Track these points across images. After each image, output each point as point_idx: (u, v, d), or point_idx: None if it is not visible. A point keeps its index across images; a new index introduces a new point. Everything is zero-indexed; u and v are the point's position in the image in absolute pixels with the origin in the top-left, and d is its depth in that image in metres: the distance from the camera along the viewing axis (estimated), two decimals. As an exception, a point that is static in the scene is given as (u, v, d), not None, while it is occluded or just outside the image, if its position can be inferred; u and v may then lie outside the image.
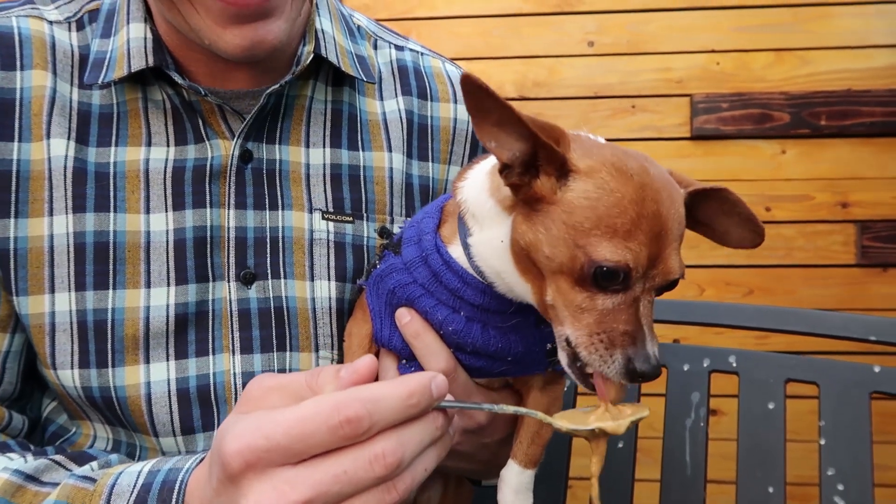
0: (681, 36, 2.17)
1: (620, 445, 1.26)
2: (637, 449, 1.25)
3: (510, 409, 0.62)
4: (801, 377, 1.18)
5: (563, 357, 0.66)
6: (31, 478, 0.69)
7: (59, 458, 0.72)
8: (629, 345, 0.61)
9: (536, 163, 0.63)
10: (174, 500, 0.62)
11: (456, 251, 0.74)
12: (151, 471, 0.66)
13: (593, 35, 2.20)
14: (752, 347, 1.28)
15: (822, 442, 1.13)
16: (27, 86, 0.80)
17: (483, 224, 0.72)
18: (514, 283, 0.70)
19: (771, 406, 1.18)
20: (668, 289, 0.65)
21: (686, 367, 1.25)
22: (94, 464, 0.71)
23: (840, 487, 1.10)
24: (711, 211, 0.70)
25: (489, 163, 0.74)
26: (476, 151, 1.01)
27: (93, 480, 0.66)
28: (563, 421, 0.63)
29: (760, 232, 0.69)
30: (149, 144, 0.83)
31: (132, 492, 0.64)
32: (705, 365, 1.24)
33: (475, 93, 0.60)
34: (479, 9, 2.23)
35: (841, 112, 2.09)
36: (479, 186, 0.72)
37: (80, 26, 0.86)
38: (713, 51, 2.16)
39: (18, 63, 0.80)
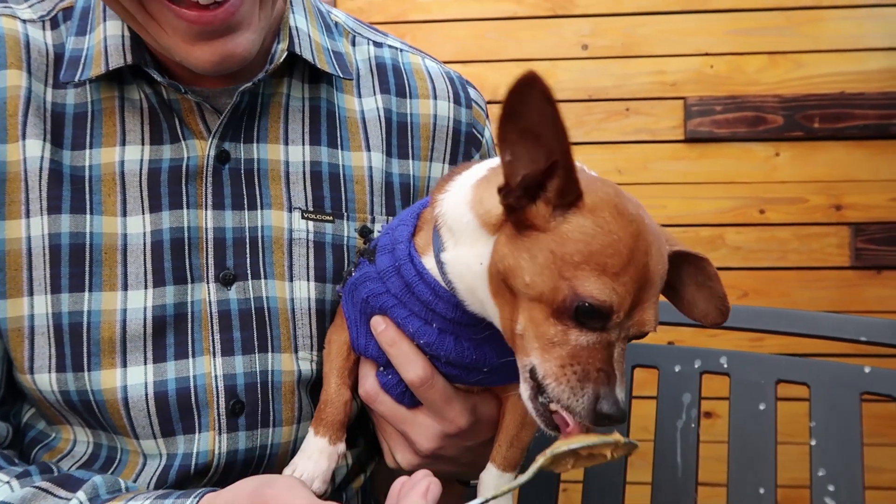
0: (675, 39, 2.17)
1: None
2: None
3: (516, 483, 0.63)
4: (791, 378, 1.18)
5: (524, 390, 0.64)
6: None
7: (45, 484, 0.72)
8: (602, 383, 0.60)
9: (539, 187, 0.62)
10: None
11: (430, 262, 0.73)
12: None
13: (588, 38, 2.21)
14: (746, 350, 1.28)
15: (813, 443, 1.13)
16: (1, 86, 0.79)
17: (459, 240, 0.70)
18: (486, 305, 0.69)
19: (762, 407, 1.18)
20: (637, 338, 0.65)
21: (677, 369, 1.25)
22: (82, 494, 0.70)
23: (831, 488, 1.10)
24: (685, 277, 0.70)
25: (474, 174, 0.72)
26: (457, 147, 0.99)
27: None
28: (550, 449, 0.62)
29: (725, 312, 0.70)
30: (123, 144, 0.82)
31: None
32: (696, 366, 1.24)
33: (528, 91, 0.54)
34: (473, 12, 2.24)
35: (834, 115, 2.10)
36: (460, 199, 0.71)
37: (55, 25, 0.85)
38: (707, 54, 2.16)
39: None
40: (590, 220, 0.61)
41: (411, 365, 0.75)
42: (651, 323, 0.63)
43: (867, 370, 1.15)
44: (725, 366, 1.22)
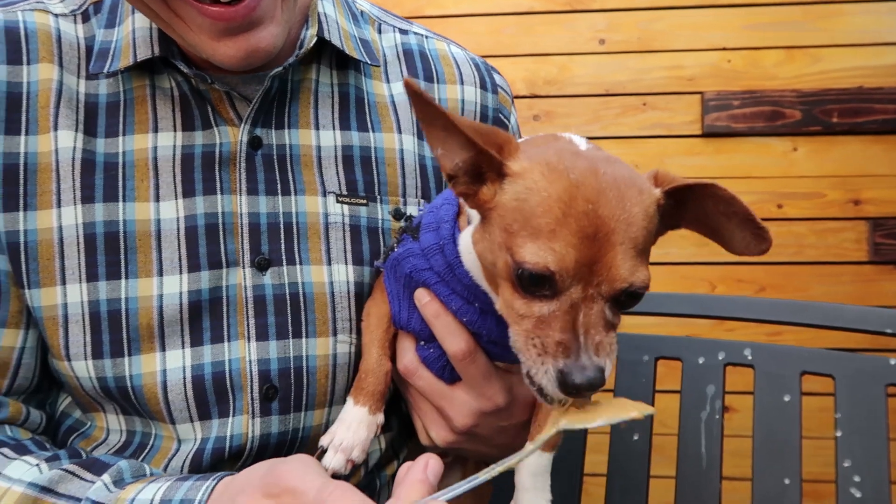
0: (692, 34, 2.17)
1: (636, 438, 1.26)
2: (652, 446, 1.25)
3: (499, 468, 0.58)
4: (816, 370, 1.18)
5: (523, 368, 0.63)
6: (46, 490, 0.71)
7: (72, 467, 0.73)
8: (561, 356, 0.57)
9: (482, 171, 0.63)
10: None
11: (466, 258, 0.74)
12: (163, 500, 0.68)
13: (604, 33, 2.20)
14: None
15: (838, 434, 1.14)
16: (34, 79, 0.81)
17: (472, 222, 0.71)
18: (487, 288, 0.70)
19: (787, 398, 1.18)
20: (630, 300, 0.60)
21: (701, 360, 1.25)
22: (107, 476, 0.72)
23: (856, 479, 1.10)
24: (710, 212, 0.64)
25: None
26: None
27: None
28: (565, 420, 0.61)
29: (765, 235, 0.61)
30: (155, 130, 0.84)
31: None
32: (720, 358, 1.24)
33: (418, 99, 0.59)
34: (489, 7, 2.24)
35: (853, 109, 2.09)
36: None
37: (86, 18, 0.87)
38: (724, 48, 2.16)
39: (25, 57, 0.81)
40: (520, 185, 0.60)
41: (455, 337, 0.76)
42: (624, 276, 0.58)
43: (892, 362, 1.15)
44: (749, 358, 1.22)
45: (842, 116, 2.10)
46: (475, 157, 0.62)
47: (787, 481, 1.14)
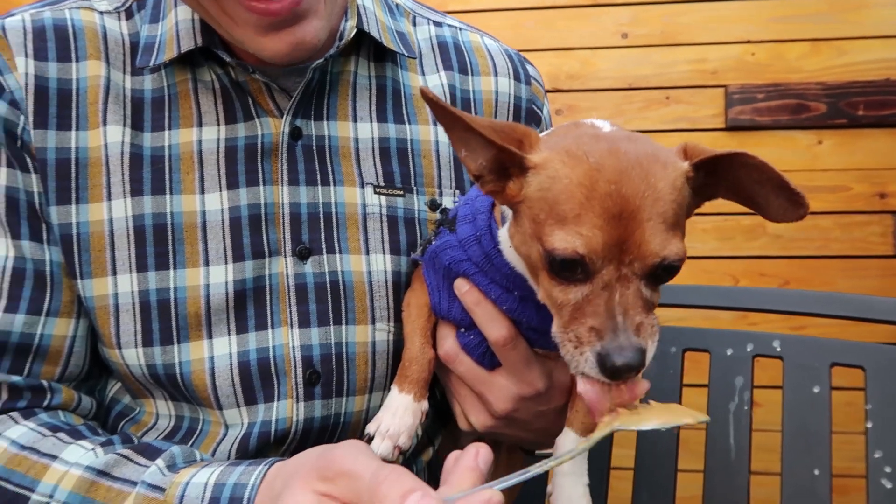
0: (715, 27, 2.16)
1: (663, 431, 1.26)
2: (679, 440, 1.25)
3: (552, 463, 0.59)
4: (846, 361, 1.18)
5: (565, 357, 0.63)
6: (102, 473, 0.73)
7: (126, 451, 0.76)
8: (597, 340, 0.57)
9: (506, 168, 0.64)
10: None
11: (505, 235, 0.75)
12: (217, 483, 0.69)
13: (627, 27, 2.20)
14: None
15: (869, 425, 1.14)
16: (83, 76, 0.83)
17: (507, 219, 0.73)
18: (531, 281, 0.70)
19: (816, 390, 1.18)
20: (666, 274, 0.60)
21: (729, 352, 1.25)
22: (161, 461, 0.74)
23: (887, 470, 1.10)
24: (744, 180, 0.62)
25: None
26: (518, 123, 1.02)
27: (161, 490, 0.70)
28: (618, 421, 0.60)
29: (801, 201, 0.60)
30: (200, 125, 0.86)
31: None
32: (749, 350, 1.24)
33: (435, 107, 0.60)
34: (512, 2, 2.25)
35: (879, 102, 2.08)
36: None
37: (129, 15, 0.89)
38: (748, 41, 2.15)
39: (74, 55, 0.83)
40: (543, 175, 0.61)
41: (495, 324, 0.78)
42: (656, 251, 0.57)
43: (924, 353, 1.14)
44: (779, 349, 1.22)
45: (867, 109, 2.09)
46: (497, 155, 0.63)
47: (816, 472, 1.14)
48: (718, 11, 2.17)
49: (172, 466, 0.74)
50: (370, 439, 0.80)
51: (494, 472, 0.97)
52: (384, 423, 0.80)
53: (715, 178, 0.63)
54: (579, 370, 0.59)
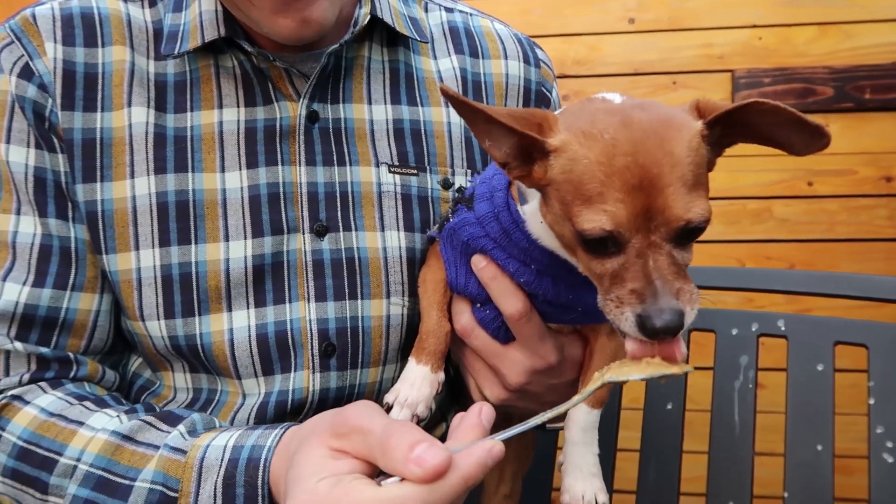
0: (722, 11, 2.16)
1: (669, 407, 1.28)
2: (685, 421, 1.27)
3: (550, 414, 0.62)
4: (849, 339, 1.20)
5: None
6: (127, 437, 0.77)
7: (149, 418, 0.79)
8: (637, 302, 0.60)
9: (530, 153, 0.66)
10: (260, 478, 0.69)
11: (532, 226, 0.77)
12: (236, 445, 0.72)
13: (634, 12, 2.21)
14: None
15: (872, 402, 1.16)
16: (108, 60, 0.87)
17: (530, 195, 0.75)
18: (566, 256, 0.73)
19: (820, 368, 1.20)
20: (693, 234, 0.61)
21: (735, 332, 1.27)
22: (182, 427, 0.77)
23: (889, 445, 1.12)
24: (761, 127, 0.63)
25: None
26: (528, 105, 1.05)
27: (183, 452, 0.74)
28: (609, 373, 0.64)
29: (822, 131, 0.60)
30: (220, 107, 0.89)
31: (220, 466, 0.72)
32: (754, 329, 1.26)
33: (455, 102, 0.62)
34: (519, -12, 2.25)
35: (886, 86, 2.08)
36: None
37: (153, 3, 0.92)
38: (755, 26, 2.15)
39: (100, 41, 0.87)
40: (563, 158, 0.63)
41: (511, 298, 0.80)
42: (681, 214, 0.59)
43: (927, 331, 1.16)
44: (783, 329, 1.24)
45: (874, 93, 2.09)
46: (519, 142, 0.65)
47: (819, 447, 1.16)
48: (725, -5, 2.17)
49: (193, 432, 0.77)
50: (389, 408, 0.83)
51: (507, 445, 1.00)
52: (402, 392, 0.83)
53: (731, 129, 0.65)
54: (621, 329, 0.62)
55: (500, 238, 0.79)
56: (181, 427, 0.77)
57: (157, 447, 0.75)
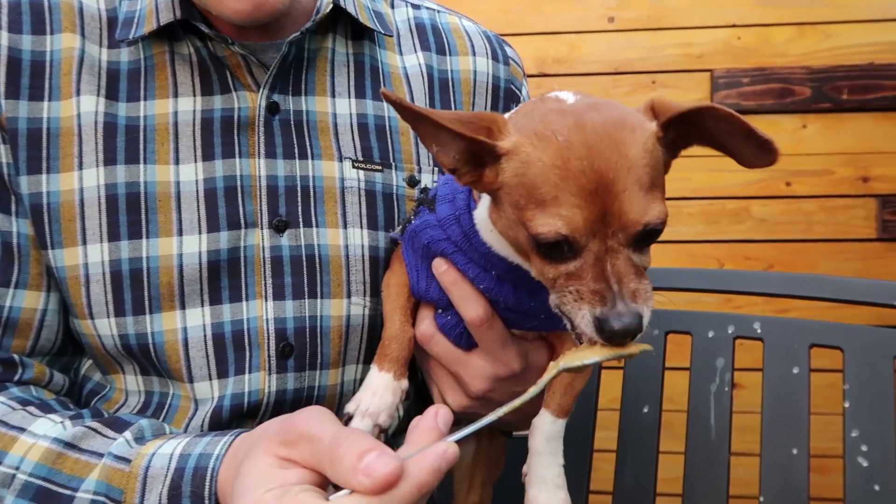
0: (702, 10, 2.16)
1: (646, 410, 1.28)
2: (661, 422, 1.27)
3: (504, 409, 0.60)
4: (825, 342, 1.20)
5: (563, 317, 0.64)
6: (70, 445, 0.73)
7: (94, 424, 0.76)
8: (598, 303, 0.58)
9: (480, 157, 0.64)
10: (207, 488, 0.66)
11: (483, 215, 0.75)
12: (182, 454, 0.69)
13: (614, 10, 2.20)
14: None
15: (846, 405, 1.15)
16: (56, 48, 0.84)
17: (482, 199, 0.73)
18: (520, 261, 0.71)
19: (795, 371, 1.20)
20: (650, 237, 0.60)
21: (710, 334, 1.27)
22: (128, 434, 0.74)
23: (864, 448, 1.12)
24: (713, 132, 0.62)
25: None
26: (497, 103, 1.03)
27: (128, 461, 0.71)
28: (563, 360, 0.62)
29: (770, 147, 0.60)
30: (175, 96, 0.86)
31: (166, 476, 0.68)
32: (730, 331, 1.26)
33: (398, 107, 0.61)
34: (499, -15, 2.23)
35: (863, 86, 2.08)
36: None
37: None
38: (734, 25, 2.15)
39: (48, 28, 0.84)
40: (516, 161, 0.61)
41: (472, 304, 0.78)
42: (637, 218, 0.58)
43: (901, 334, 1.16)
44: (759, 331, 1.24)
45: (852, 93, 2.09)
46: (468, 146, 0.63)
47: (794, 451, 1.16)
48: (705, -5, 2.17)
49: (140, 439, 0.74)
50: (350, 418, 0.81)
51: (476, 457, 0.98)
52: (364, 401, 0.80)
53: (686, 130, 0.63)
54: (576, 325, 0.60)
55: (461, 242, 0.77)
56: (127, 434, 0.74)
57: (101, 455, 0.72)
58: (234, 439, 0.69)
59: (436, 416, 0.59)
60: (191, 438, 0.72)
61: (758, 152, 0.61)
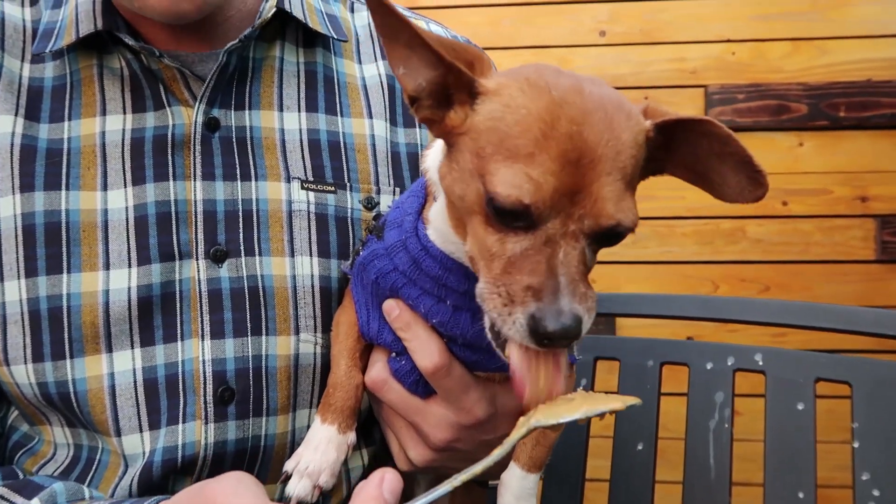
0: (695, 25, 2.11)
1: (640, 448, 1.21)
2: (657, 450, 1.20)
3: (462, 476, 0.52)
4: (831, 376, 1.12)
5: (486, 321, 0.56)
6: None
7: (2, 490, 0.68)
8: (532, 300, 0.50)
9: (449, 94, 0.57)
10: None
11: (435, 234, 0.67)
12: None
13: (605, 24, 2.14)
14: (769, 346, 1.23)
15: (856, 445, 1.08)
16: None
17: (438, 194, 0.66)
18: (458, 244, 0.63)
19: (800, 407, 1.12)
20: (611, 239, 0.54)
21: (709, 366, 1.20)
22: (36, 501, 0.67)
23: (875, 493, 1.04)
24: (701, 152, 0.57)
25: None
26: None
27: None
28: (536, 416, 0.54)
29: (761, 180, 0.56)
30: (103, 114, 0.78)
31: None
32: (730, 363, 1.19)
33: (380, 10, 0.52)
34: (488, -3, 2.18)
35: (861, 103, 2.03)
36: (437, 148, 0.66)
37: (34, 1, 0.82)
38: (729, 40, 2.10)
39: None
40: (495, 103, 0.54)
41: (426, 351, 0.70)
42: (610, 210, 0.51)
43: (913, 368, 1.09)
44: (760, 363, 1.16)
45: (849, 110, 2.04)
46: (442, 77, 0.56)
47: (801, 495, 1.08)
48: (699, 9, 2.12)
49: (51, 502, 0.67)
50: (288, 478, 0.72)
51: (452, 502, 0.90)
52: (304, 458, 0.72)
53: (671, 146, 0.57)
54: (505, 333, 0.52)
55: (410, 271, 0.69)
56: (35, 501, 0.67)
57: None
58: None
59: (380, 484, 0.51)
60: None
61: (746, 185, 0.56)
